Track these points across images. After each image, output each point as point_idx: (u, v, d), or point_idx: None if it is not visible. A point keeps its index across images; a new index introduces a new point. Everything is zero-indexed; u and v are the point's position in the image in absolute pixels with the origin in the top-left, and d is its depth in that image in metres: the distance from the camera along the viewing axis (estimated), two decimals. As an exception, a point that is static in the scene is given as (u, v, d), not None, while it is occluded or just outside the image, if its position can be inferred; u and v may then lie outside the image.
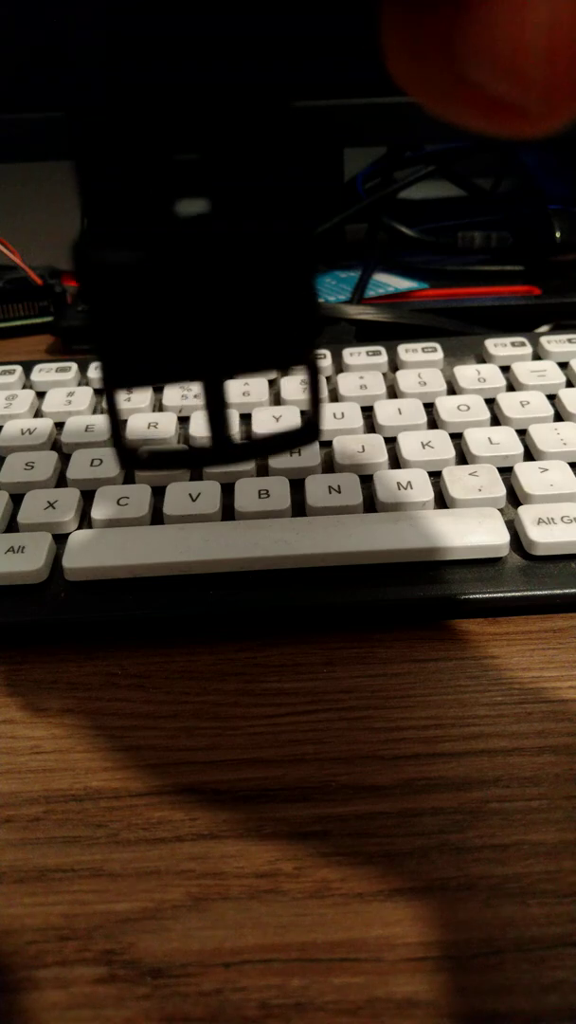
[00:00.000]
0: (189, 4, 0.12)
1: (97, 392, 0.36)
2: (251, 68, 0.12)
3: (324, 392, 0.32)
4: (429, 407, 0.33)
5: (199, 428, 0.32)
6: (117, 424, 0.14)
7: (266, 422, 0.32)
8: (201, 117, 0.12)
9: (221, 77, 0.12)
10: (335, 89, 0.40)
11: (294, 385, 0.34)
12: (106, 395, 0.14)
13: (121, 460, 0.15)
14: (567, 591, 0.25)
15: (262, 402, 0.34)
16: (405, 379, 0.34)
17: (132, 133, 0.12)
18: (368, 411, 0.33)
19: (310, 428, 0.15)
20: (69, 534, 0.27)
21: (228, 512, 0.28)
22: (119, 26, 0.12)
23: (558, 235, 0.44)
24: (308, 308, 0.14)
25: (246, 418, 0.33)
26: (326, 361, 0.36)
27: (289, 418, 0.32)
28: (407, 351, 0.36)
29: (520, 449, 0.30)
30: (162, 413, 0.33)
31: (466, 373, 0.34)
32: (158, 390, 0.35)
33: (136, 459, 0.15)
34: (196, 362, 0.14)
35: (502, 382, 0.34)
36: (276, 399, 0.34)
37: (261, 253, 0.13)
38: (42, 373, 0.36)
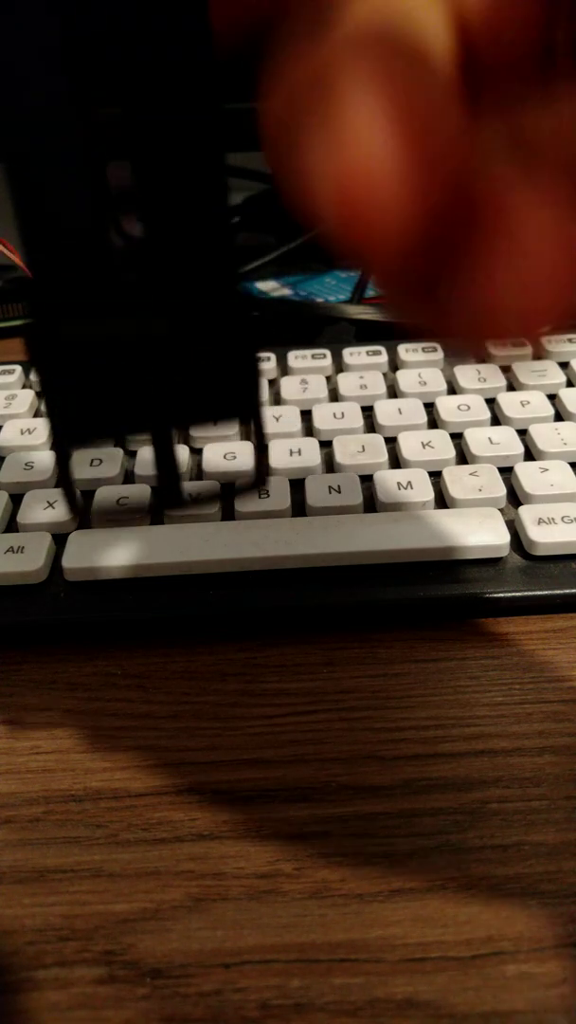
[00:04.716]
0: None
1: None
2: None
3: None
4: (429, 407, 0.33)
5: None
6: (70, 482, 0.16)
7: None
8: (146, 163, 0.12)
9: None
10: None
11: (294, 385, 0.34)
12: (57, 455, 0.15)
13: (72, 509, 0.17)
14: (567, 591, 0.25)
15: (262, 402, 0.34)
16: (405, 379, 0.34)
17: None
18: (368, 411, 0.33)
19: (257, 476, 0.17)
20: (69, 534, 0.27)
21: (228, 512, 0.28)
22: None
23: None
24: (248, 364, 0.15)
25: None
26: (326, 361, 0.36)
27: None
28: (407, 351, 0.36)
29: (520, 449, 0.30)
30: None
31: (466, 373, 0.34)
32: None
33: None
34: (144, 417, 0.15)
35: (502, 382, 0.34)
36: (276, 399, 0.34)
37: (201, 322, 0.14)
38: (42, 373, 0.36)
